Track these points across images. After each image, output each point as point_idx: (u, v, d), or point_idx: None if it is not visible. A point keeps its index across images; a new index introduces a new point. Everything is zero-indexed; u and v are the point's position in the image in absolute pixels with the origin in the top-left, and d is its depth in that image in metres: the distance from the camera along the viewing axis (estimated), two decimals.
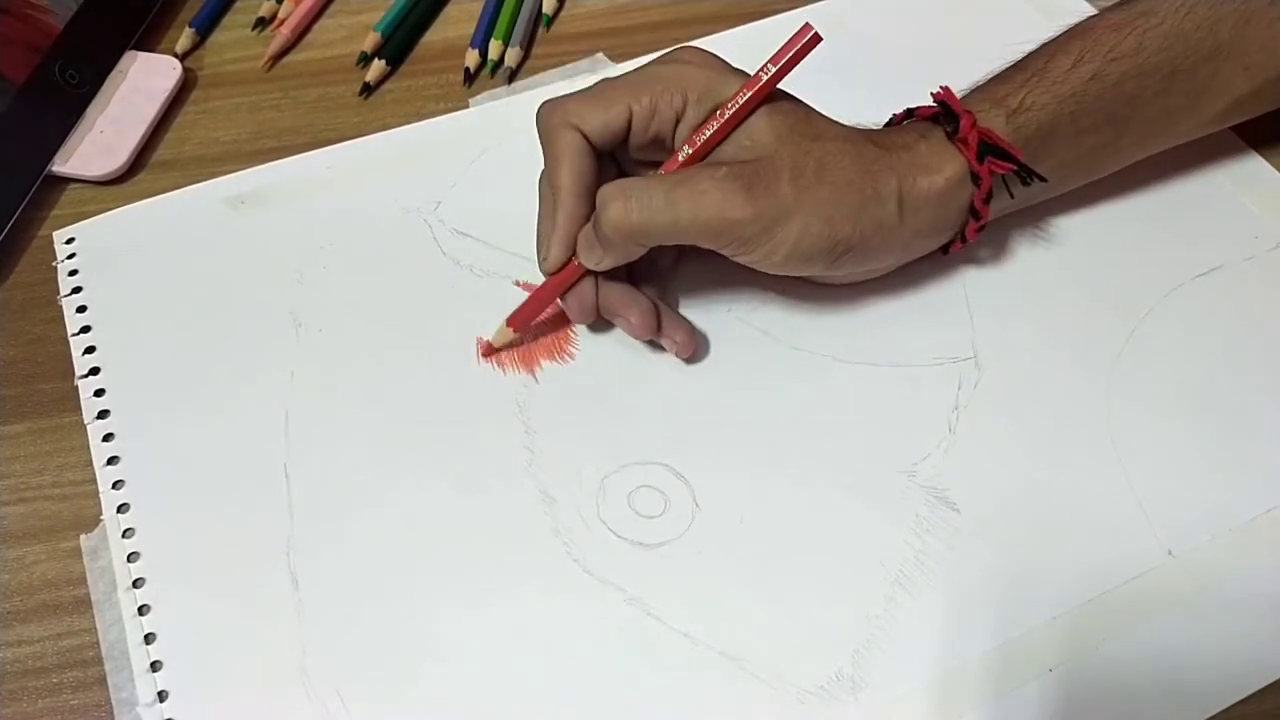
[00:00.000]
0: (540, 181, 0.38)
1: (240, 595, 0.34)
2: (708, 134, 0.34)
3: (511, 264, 0.42)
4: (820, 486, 0.36)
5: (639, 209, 0.33)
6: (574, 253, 0.36)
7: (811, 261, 0.35)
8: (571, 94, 0.36)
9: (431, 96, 0.49)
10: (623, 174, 0.38)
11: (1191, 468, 0.36)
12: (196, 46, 0.51)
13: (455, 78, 0.50)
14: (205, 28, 0.52)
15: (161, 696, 0.32)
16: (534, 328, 0.39)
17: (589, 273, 0.37)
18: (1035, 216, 0.43)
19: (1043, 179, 0.37)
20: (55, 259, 0.42)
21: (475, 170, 0.45)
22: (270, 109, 0.49)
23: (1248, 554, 0.34)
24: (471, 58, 0.50)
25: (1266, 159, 0.45)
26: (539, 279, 0.38)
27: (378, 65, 0.49)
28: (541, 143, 0.36)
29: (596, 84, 0.36)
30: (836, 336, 0.39)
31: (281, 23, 0.51)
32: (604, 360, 0.39)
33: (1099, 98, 0.37)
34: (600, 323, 0.39)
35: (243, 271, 0.42)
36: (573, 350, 0.39)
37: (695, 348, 0.38)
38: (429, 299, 0.41)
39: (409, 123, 0.47)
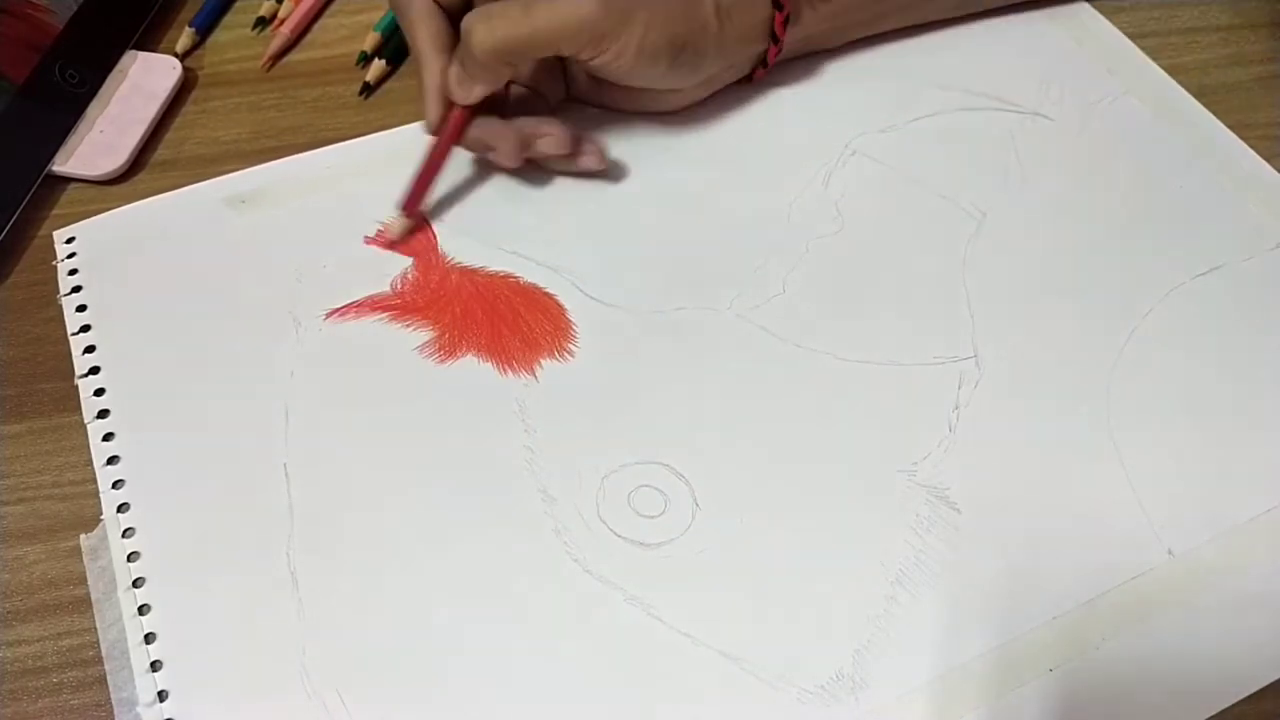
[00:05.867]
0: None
1: (240, 595, 0.34)
2: None
3: (512, 263, 0.42)
4: (820, 486, 0.36)
5: (502, 26, 0.37)
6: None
7: (656, 60, 0.40)
8: None
9: None
10: None
11: (1191, 468, 0.36)
12: (196, 46, 0.51)
13: None
14: (205, 28, 0.52)
15: (161, 696, 0.32)
16: (533, 328, 0.39)
17: (463, 120, 0.40)
18: (1036, 216, 0.43)
19: None
20: (55, 259, 0.42)
21: (475, 170, 0.45)
22: (270, 109, 0.49)
23: (1248, 554, 0.34)
24: None
25: (1266, 159, 0.45)
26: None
27: (378, 65, 0.49)
28: (396, 15, 0.41)
29: None
30: (837, 335, 0.39)
31: (281, 22, 0.51)
32: (604, 360, 0.39)
33: None
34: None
35: (242, 271, 0.42)
36: (573, 349, 0.39)
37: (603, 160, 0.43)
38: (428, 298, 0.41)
39: (409, 123, 0.47)
